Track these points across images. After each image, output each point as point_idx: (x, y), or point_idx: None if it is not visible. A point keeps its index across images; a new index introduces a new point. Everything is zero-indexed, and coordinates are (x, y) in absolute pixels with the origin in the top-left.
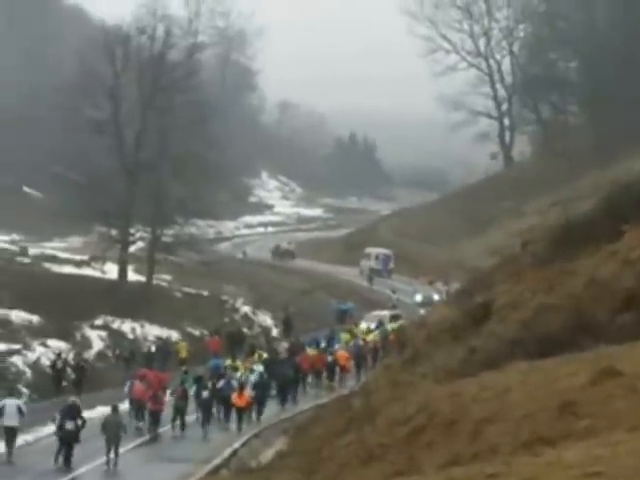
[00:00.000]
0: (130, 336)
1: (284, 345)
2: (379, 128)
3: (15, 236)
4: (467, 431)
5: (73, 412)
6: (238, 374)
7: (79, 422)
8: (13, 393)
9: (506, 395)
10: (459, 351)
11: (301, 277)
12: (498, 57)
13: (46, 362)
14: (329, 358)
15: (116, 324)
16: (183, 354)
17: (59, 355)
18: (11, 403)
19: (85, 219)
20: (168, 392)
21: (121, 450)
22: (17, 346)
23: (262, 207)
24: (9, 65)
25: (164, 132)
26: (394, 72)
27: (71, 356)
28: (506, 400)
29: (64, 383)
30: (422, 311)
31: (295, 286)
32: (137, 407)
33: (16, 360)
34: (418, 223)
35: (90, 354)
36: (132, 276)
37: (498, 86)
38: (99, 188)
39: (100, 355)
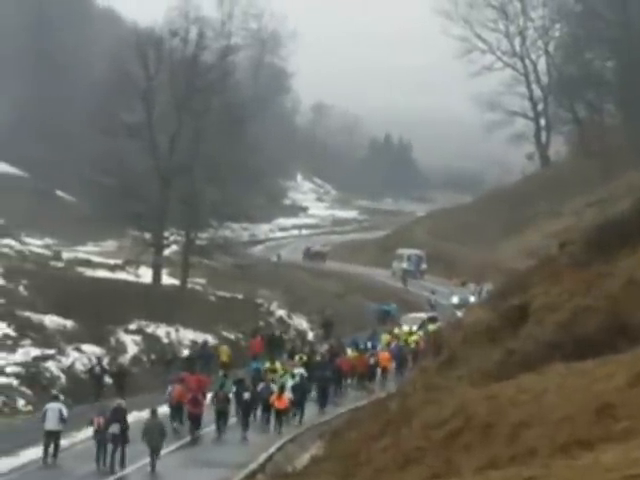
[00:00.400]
0: (165, 340)
1: (324, 347)
2: (414, 129)
3: (48, 240)
4: (504, 434)
5: (118, 415)
6: (278, 377)
7: (123, 425)
8: (56, 398)
9: (543, 397)
10: (496, 353)
11: (336, 280)
12: (534, 57)
13: (80, 367)
14: (371, 360)
15: (150, 328)
16: (224, 358)
17: (98, 360)
18: (53, 407)
19: (119, 223)
20: (209, 396)
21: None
22: (51, 351)
23: (296, 209)
24: (42, 69)
25: (198, 135)
26: (429, 73)
27: (105, 361)
28: (543, 403)
29: (104, 388)
30: (458, 313)
31: (330, 289)
32: (175, 410)
33: (50, 365)
34: (454, 224)
35: (125, 359)
36: (166, 280)
37: (534, 86)
38: (133, 192)
39: (135, 360)
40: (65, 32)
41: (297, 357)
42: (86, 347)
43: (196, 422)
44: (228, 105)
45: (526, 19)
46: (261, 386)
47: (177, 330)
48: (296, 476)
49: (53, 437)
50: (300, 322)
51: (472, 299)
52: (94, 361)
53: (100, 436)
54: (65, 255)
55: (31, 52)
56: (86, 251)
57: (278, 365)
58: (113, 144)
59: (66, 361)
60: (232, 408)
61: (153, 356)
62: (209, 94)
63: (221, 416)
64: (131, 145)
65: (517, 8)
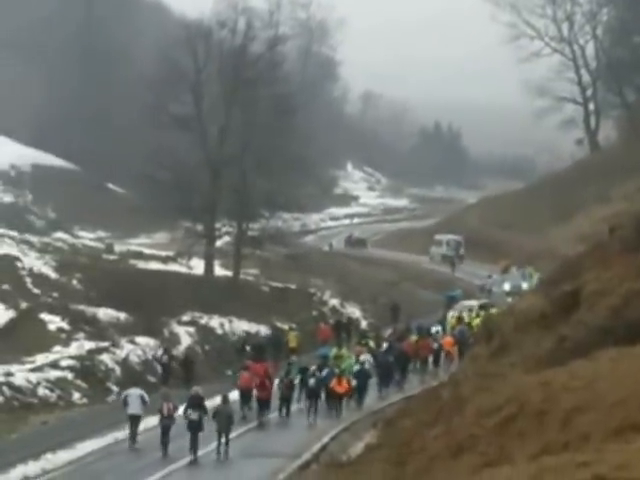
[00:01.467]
0: (219, 331)
1: (389, 332)
2: (464, 116)
3: (101, 233)
4: (558, 420)
5: (196, 402)
6: (343, 363)
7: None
8: (137, 383)
9: (596, 383)
10: (548, 340)
11: (388, 268)
12: (582, 42)
13: (135, 359)
14: (434, 344)
15: (204, 320)
16: (293, 343)
17: (165, 349)
18: (134, 393)
19: (170, 215)
20: (276, 381)
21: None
22: (105, 344)
23: (348, 199)
24: (91, 62)
25: (247, 126)
26: (478, 60)
27: (160, 352)
28: (596, 388)
29: (170, 377)
30: (510, 300)
31: (382, 277)
32: (243, 395)
33: (105, 358)
34: (505, 211)
35: (179, 350)
36: (219, 271)
37: (582, 71)
38: (184, 183)
39: (189, 351)
40: (114, 25)
41: (364, 342)
42: (140, 339)
43: (264, 406)
44: (277, 95)
45: (573, 4)
46: (325, 372)
47: (230, 321)
48: (350, 465)
49: (136, 421)
50: (353, 311)
51: (524, 286)
52: (161, 350)
53: (165, 422)
54: (117, 248)
55: (80, 46)
56: (138, 243)
57: (345, 351)
58: (163, 136)
59: (120, 353)
60: (296, 394)
61: (207, 347)
62: (258, 85)
63: (285, 402)
64: (181, 137)
65: None
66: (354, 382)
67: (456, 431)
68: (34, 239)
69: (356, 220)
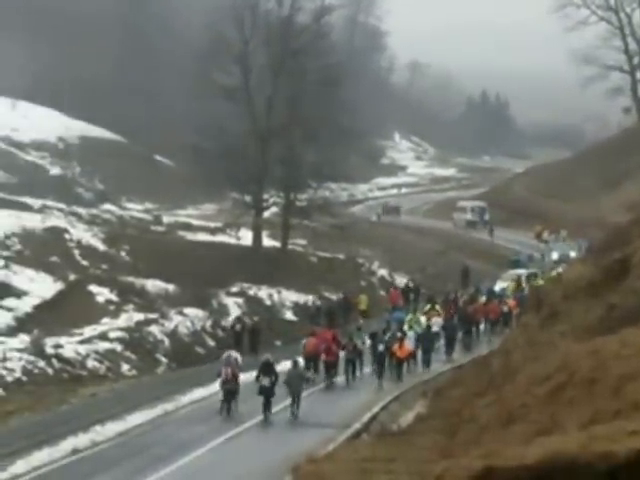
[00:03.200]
0: (267, 302)
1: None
2: (511, 85)
3: (149, 205)
4: (608, 388)
5: (268, 368)
6: (413, 326)
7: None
8: (255, 347)
9: None
10: (597, 308)
11: (435, 238)
12: (628, 10)
13: (184, 330)
14: (504, 307)
15: (252, 290)
16: (363, 306)
17: (238, 318)
18: (234, 355)
19: (218, 186)
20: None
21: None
22: (154, 315)
23: (395, 168)
24: (138, 34)
25: (294, 96)
26: (524, 28)
27: (209, 323)
28: None
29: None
30: (559, 269)
31: (429, 247)
32: (309, 361)
33: (154, 329)
34: (552, 180)
35: (227, 322)
36: (267, 242)
37: (629, 39)
38: (231, 155)
39: (256, 320)
40: None
41: (428, 306)
42: (188, 310)
43: (331, 369)
44: (324, 66)
45: None
46: (388, 335)
47: (279, 292)
48: (401, 434)
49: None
50: (401, 280)
51: (572, 254)
52: (234, 319)
53: (227, 386)
54: (165, 219)
55: (127, 18)
56: (186, 215)
57: (418, 315)
58: (210, 108)
59: (169, 325)
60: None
61: (256, 318)
62: (305, 55)
63: (349, 365)
64: (228, 108)
65: None
66: (413, 345)
67: (507, 400)
68: (82, 211)
69: (404, 190)
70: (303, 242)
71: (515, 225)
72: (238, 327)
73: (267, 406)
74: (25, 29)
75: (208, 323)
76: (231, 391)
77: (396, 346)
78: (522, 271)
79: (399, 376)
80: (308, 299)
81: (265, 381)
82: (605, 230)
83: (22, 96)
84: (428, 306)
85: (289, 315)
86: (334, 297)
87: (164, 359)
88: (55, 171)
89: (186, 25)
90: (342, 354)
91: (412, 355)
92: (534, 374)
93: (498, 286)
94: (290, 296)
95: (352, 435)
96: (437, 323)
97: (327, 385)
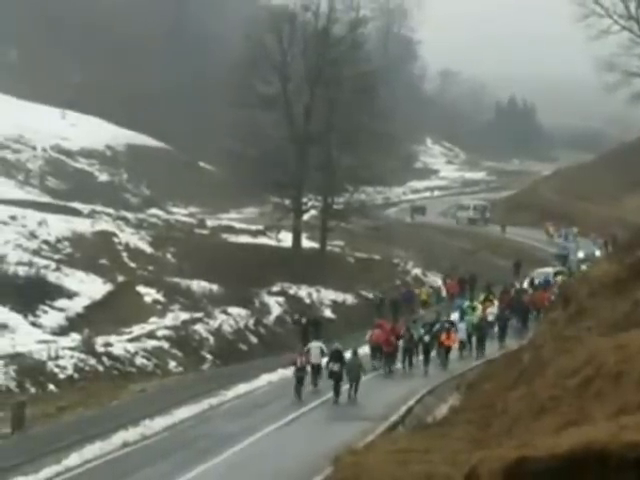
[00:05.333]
0: (307, 301)
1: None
2: (538, 92)
3: (193, 209)
4: (634, 381)
5: (336, 355)
6: (455, 317)
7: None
8: (318, 337)
9: None
10: (623, 304)
11: (466, 238)
12: None
13: (228, 329)
14: (552, 297)
15: (293, 290)
16: (424, 296)
17: (303, 313)
18: (316, 345)
19: (259, 190)
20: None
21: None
22: (199, 314)
23: (428, 172)
24: (182, 46)
25: (331, 104)
26: (550, 37)
27: (252, 322)
28: None
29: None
30: (584, 267)
31: (460, 247)
32: (374, 349)
33: (199, 328)
34: (578, 182)
35: (269, 320)
36: (306, 243)
37: None
38: (271, 160)
39: (279, 320)
40: (204, 10)
41: (483, 296)
42: (232, 309)
43: (390, 358)
44: (359, 74)
45: None
46: (437, 327)
47: (318, 291)
48: (436, 426)
49: (317, 369)
50: (435, 279)
51: (598, 253)
52: (298, 315)
53: (299, 373)
54: (209, 222)
55: (171, 29)
56: (229, 218)
57: (477, 304)
58: (251, 116)
59: (214, 323)
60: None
61: (296, 316)
62: (340, 65)
63: (406, 354)
64: (268, 116)
65: None
66: (462, 335)
67: (537, 393)
68: (130, 215)
69: (436, 192)
70: (341, 243)
71: (543, 225)
72: (304, 320)
73: (337, 388)
74: (76, 45)
75: (251, 321)
76: (302, 377)
77: (444, 336)
78: (549, 270)
79: (444, 364)
80: (346, 298)
81: (335, 367)
82: (630, 229)
83: (71, 106)
84: (483, 296)
85: (328, 313)
86: (371, 295)
87: (209, 356)
88: (103, 178)
89: (227, 37)
90: (401, 343)
91: (463, 344)
92: (563, 368)
93: (550, 277)
94: (329, 295)
95: (389, 427)
96: (492, 312)
97: (386, 373)
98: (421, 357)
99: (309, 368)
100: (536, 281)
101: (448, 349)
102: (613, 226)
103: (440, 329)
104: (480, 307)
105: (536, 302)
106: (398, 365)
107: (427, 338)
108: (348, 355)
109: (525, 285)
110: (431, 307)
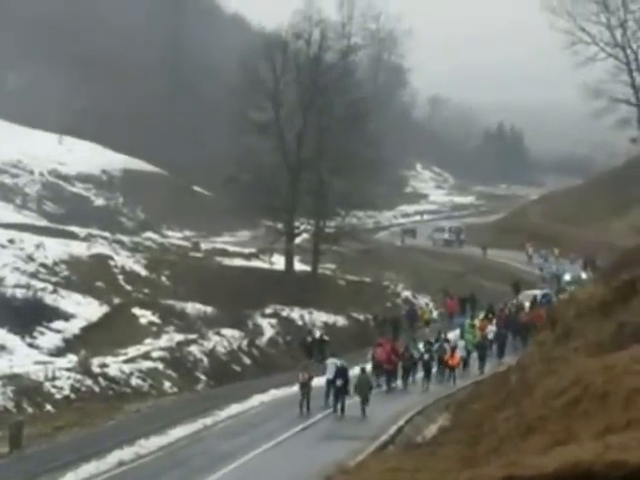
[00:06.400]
0: (299, 323)
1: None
2: (525, 118)
3: (187, 233)
4: (620, 401)
5: (342, 372)
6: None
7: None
8: (334, 354)
9: None
10: (609, 326)
11: (456, 261)
12: (635, 47)
13: (221, 350)
14: None
15: (285, 312)
16: (426, 316)
17: (309, 332)
18: (332, 362)
19: (252, 214)
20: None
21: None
22: (193, 336)
23: (417, 197)
24: (177, 73)
25: (323, 130)
26: (538, 65)
27: (245, 343)
28: None
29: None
30: (570, 289)
31: (450, 270)
32: (376, 367)
33: (193, 349)
34: (565, 206)
35: (262, 341)
36: (298, 266)
37: (635, 74)
38: (265, 185)
39: (271, 341)
40: (198, 38)
41: (482, 315)
42: (226, 331)
43: (390, 375)
44: (350, 101)
45: (626, 11)
46: (436, 346)
47: (310, 313)
48: (426, 446)
49: (332, 383)
50: (425, 301)
51: (584, 276)
52: (305, 333)
53: (304, 388)
54: (203, 246)
55: (167, 57)
56: (223, 241)
57: (477, 322)
58: (245, 142)
59: (208, 345)
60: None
61: (288, 337)
62: (332, 92)
63: (406, 372)
64: (261, 142)
65: (618, 1)
66: (463, 354)
67: (525, 412)
68: (125, 239)
69: (425, 217)
70: (332, 266)
71: (524, 247)
72: (309, 339)
73: (341, 403)
74: (74, 70)
75: (244, 343)
76: (307, 392)
77: (448, 355)
78: (537, 292)
79: (451, 380)
80: (337, 319)
81: (339, 382)
82: (615, 253)
83: (68, 131)
84: (482, 314)
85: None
86: (362, 317)
87: (203, 377)
88: (99, 202)
89: (222, 64)
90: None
91: (464, 362)
92: (550, 388)
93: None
94: (320, 317)
95: (380, 446)
96: (491, 331)
97: (387, 389)
98: (422, 374)
99: (312, 384)
100: (537, 299)
101: (452, 368)
102: (594, 248)
103: (439, 347)
104: (478, 325)
105: (535, 320)
106: (399, 382)
107: (427, 356)
108: (354, 372)
109: (526, 303)
110: (432, 325)
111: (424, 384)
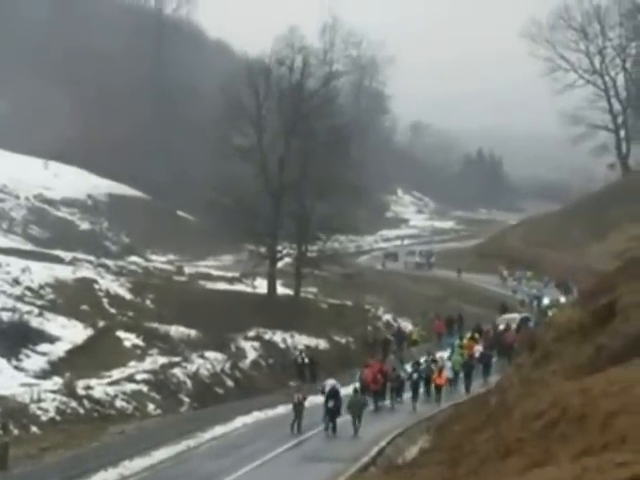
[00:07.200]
0: (281, 346)
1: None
2: (505, 144)
3: (171, 257)
4: (597, 423)
5: (333, 393)
6: (441, 356)
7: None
8: (333, 376)
9: (632, 388)
10: (586, 349)
11: (436, 285)
12: (613, 73)
13: (205, 373)
14: None
15: (268, 335)
16: (415, 337)
17: (301, 352)
18: (331, 383)
19: (236, 239)
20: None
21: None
22: (177, 359)
23: (398, 221)
24: (160, 99)
25: (305, 155)
26: (517, 92)
27: (228, 365)
28: (632, 393)
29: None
30: (549, 313)
31: (431, 293)
32: (363, 388)
33: (177, 372)
34: (544, 231)
35: (245, 364)
36: (281, 290)
37: (613, 100)
38: (247, 210)
39: (254, 364)
40: (181, 65)
41: (469, 335)
42: (209, 354)
43: (376, 395)
44: (332, 127)
45: (605, 39)
46: (423, 366)
47: (292, 336)
48: (407, 467)
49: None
50: (405, 325)
51: (562, 300)
52: (298, 353)
53: (297, 408)
54: (187, 270)
55: (151, 83)
56: (206, 265)
57: (465, 342)
58: (228, 167)
59: (191, 367)
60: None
61: (270, 360)
62: (314, 118)
63: (394, 392)
64: (244, 167)
65: (596, 29)
66: (450, 374)
67: (504, 435)
68: (110, 263)
69: (406, 241)
70: (314, 290)
71: (497, 270)
72: (300, 360)
73: (333, 423)
74: (59, 95)
75: (227, 365)
76: (299, 411)
77: (435, 375)
78: (516, 315)
79: (438, 400)
80: (319, 342)
81: (331, 403)
82: (593, 277)
83: (53, 157)
84: (469, 334)
85: (296, 358)
86: (343, 340)
87: (186, 399)
88: (84, 226)
89: (205, 90)
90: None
91: (450, 382)
92: (528, 410)
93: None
94: (302, 340)
95: (361, 468)
96: (478, 350)
97: (374, 409)
98: (409, 394)
99: (306, 404)
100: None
101: (439, 387)
102: (568, 271)
103: (426, 367)
104: (465, 345)
105: (521, 341)
106: (387, 401)
107: (415, 376)
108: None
109: (502, 326)
110: (419, 346)
111: (413, 404)
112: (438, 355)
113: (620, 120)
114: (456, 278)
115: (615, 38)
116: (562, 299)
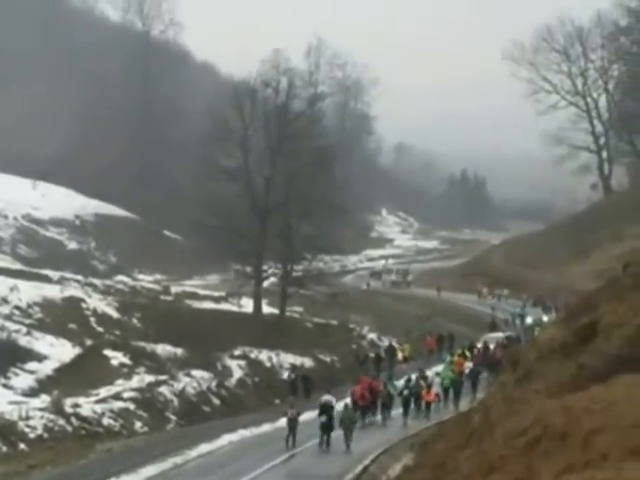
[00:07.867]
0: (267, 364)
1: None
2: (488, 164)
3: (158, 276)
4: (579, 441)
5: (326, 409)
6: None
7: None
8: (329, 391)
9: (613, 407)
10: (568, 368)
11: (420, 304)
12: (595, 95)
13: (191, 391)
14: None
15: (254, 354)
16: (406, 353)
17: (293, 369)
18: (327, 398)
19: (221, 259)
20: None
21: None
22: (164, 377)
23: (383, 241)
24: (148, 121)
25: (291, 176)
26: (500, 113)
27: (214, 384)
28: (614, 411)
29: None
30: (536, 332)
31: (415, 312)
32: (354, 404)
33: (164, 390)
34: (527, 250)
35: (231, 382)
36: (266, 309)
37: (596, 122)
38: (233, 230)
39: (240, 382)
40: (168, 87)
41: (459, 351)
42: (195, 372)
43: (365, 411)
44: (317, 148)
45: (587, 61)
46: (413, 382)
47: (278, 354)
48: None
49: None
50: (394, 342)
51: (545, 319)
52: (290, 372)
53: (291, 423)
54: (174, 289)
55: (138, 105)
56: (192, 285)
57: (456, 358)
58: (214, 187)
59: (178, 386)
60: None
61: (256, 379)
62: (300, 139)
63: (384, 408)
64: (230, 188)
65: (578, 51)
66: (438, 390)
67: (486, 452)
68: (97, 282)
69: (391, 261)
70: (299, 309)
71: (475, 288)
72: (292, 376)
73: (327, 438)
74: (45, 116)
75: (213, 384)
76: (293, 426)
77: (425, 392)
78: (500, 334)
79: (427, 416)
80: (304, 361)
81: (323, 418)
82: (575, 296)
83: (42, 177)
84: (459, 351)
85: (287, 375)
86: (328, 359)
87: (173, 417)
88: (72, 246)
89: (192, 111)
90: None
91: (439, 398)
92: (511, 428)
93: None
94: (287, 358)
95: None
96: (468, 367)
97: (363, 425)
98: (400, 410)
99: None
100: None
101: (428, 404)
102: (547, 290)
103: (416, 384)
104: (458, 361)
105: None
106: (379, 417)
107: (406, 392)
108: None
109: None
110: (410, 363)
111: (404, 419)
112: (428, 372)
113: (602, 141)
114: (436, 296)
115: (597, 60)
116: (545, 318)
